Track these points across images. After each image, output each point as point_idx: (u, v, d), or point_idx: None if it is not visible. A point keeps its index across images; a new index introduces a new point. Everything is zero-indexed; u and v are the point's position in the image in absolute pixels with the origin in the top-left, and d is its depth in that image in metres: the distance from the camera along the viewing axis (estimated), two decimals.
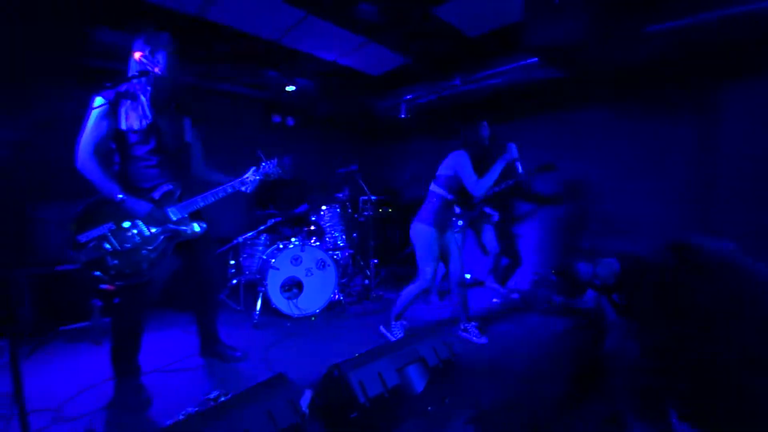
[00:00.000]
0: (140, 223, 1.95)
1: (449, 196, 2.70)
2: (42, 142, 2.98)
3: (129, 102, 1.95)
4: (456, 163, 2.66)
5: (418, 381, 1.66)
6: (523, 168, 2.74)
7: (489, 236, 3.98)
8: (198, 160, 2.34)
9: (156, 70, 1.93)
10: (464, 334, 2.85)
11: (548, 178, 4.05)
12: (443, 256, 2.81)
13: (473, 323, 2.88)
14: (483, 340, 2.78)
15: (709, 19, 2.54)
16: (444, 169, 2.74)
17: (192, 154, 2.27)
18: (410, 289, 2.75)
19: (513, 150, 2.66)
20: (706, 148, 3.16)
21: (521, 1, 2.69)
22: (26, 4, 2.79)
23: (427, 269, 2.69)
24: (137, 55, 1.92)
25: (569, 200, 4.01)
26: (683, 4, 2.62)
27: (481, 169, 2.66)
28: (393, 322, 2.85)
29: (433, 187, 2.78)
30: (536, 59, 3.24)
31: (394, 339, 2.74)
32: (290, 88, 4.24)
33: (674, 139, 3.28)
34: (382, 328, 2.93)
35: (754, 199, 2.88)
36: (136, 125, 1.95)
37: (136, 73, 1.90)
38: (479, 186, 2.59)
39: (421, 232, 2.71)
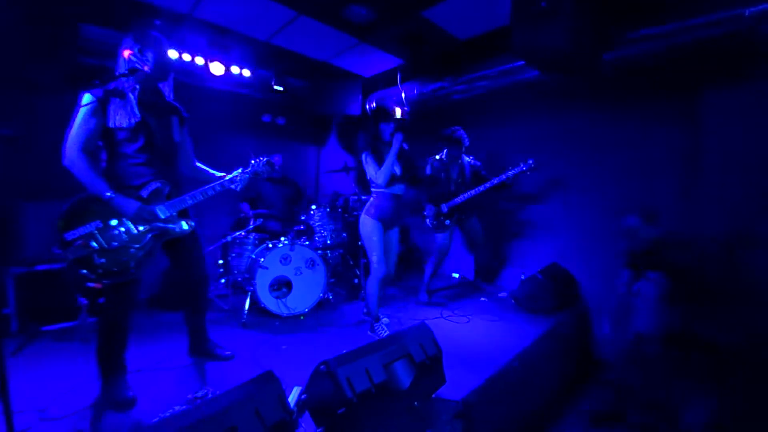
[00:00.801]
0: (128, 221, 1.95)
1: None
2: (29, 140, 2.94)
3: (117, 100, 1.94)
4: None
5: (404, 377, 1.69)
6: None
7: (475, 235, 4.04)
8: (187, 158, 2.34)
9: (145, 68, 1.92)
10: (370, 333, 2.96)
11: (534, 179, 4.11)
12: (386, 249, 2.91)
13: (382, 322, 2.96)
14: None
15: (692, 24, 2.63)
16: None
17: (181, 152, 2.27)
18: (370, 283, 2.85)
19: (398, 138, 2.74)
20: (689, 151, 3.24)
21: (509, 5, 2.74)
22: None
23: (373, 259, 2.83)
24: (126, 53, 1.92)
25: (554, 202, 4.08)
26: (667, 11, 2.70)
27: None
28: (374, 324, 2.91)
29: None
30: (523, 62, 3.29)
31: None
32: (278, 88, 4.24)
33: (658, 142, 3.36)
34: (369, 332, 2.96)
35: (737, 202, 2.96)
36: (124, 123, 1.94)
37: (125, 71, 1.89)
38: (379, 175, 2.74)
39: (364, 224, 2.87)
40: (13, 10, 2.81)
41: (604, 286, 3.64)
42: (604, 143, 3.69)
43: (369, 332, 2.95)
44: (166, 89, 2.17)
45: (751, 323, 2.24)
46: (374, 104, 2.84)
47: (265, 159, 2.43)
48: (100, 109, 1.89)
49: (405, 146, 2.84)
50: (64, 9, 2.95)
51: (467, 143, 3.74)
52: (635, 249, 2.52)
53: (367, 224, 2.82)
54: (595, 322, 3.63)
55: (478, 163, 3.90)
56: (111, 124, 1.92)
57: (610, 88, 3.57)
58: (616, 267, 3.55)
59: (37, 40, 3.02)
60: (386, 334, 2.83)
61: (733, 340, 2.14)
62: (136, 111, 1.97)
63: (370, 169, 2.80)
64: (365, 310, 2.95)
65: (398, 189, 2.87)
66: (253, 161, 2.40)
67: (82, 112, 1.87)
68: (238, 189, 2.33)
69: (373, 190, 2.89)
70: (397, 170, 2.81)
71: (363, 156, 2.83)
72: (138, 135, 1.99)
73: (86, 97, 1.85)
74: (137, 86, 1.99)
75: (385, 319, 3.03)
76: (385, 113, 2.85)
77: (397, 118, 2.88)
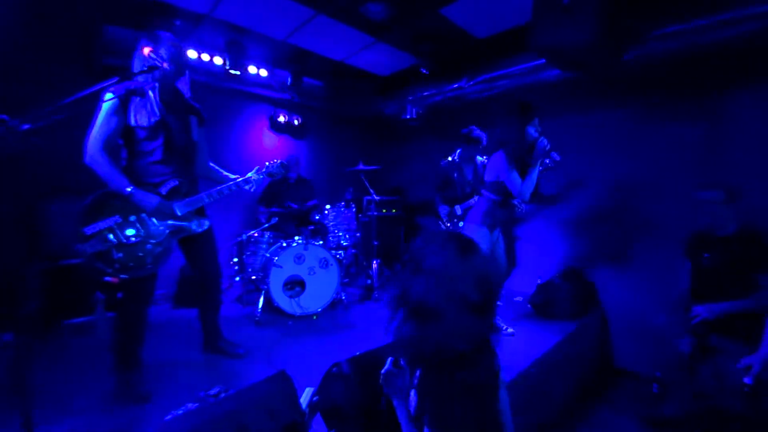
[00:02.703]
0: (146, 216, 1.97)
1: (496, 198, 2.64)
2: (53, 137, 3.00)
3: (138, 98, 1.97)
4: (495, 166, 2.56)
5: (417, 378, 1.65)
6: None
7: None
8: (203, 158, 2.36)
9: (164, 65, 1.94)
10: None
11: (551, 179, 4.01)
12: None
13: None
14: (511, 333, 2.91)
15: (719, 20, 2.51)
16: (488, 175, 2.69)
17: (198, 152, 2.28)
18: None
19: (544, 143, 2.45)
20: (713, 150, 3.11)
21: (530, 2, 2.68)
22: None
23: None
24: (146, 50, 1.94)
25: (572, 202, 3.98)
26: (692, 7, 2.60)
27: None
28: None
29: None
30: (543, 61, 3.22)
31: None
32: (294, 88, 4.24)
33: (681, 141, 3.24)
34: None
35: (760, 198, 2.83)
36: (144, 121, 1.97)
37: (145, 68, 1.91)
38: (523, 190, 2.44)
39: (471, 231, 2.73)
40: (37, 9, 2.88)
41: (625, 291, 3.53)
42: (626, 142, 3.57)
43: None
44: (185, 89, 2.19)
45: None
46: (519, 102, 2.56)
47: (279, 161, 2.43)
48: (121, 107, 1.92)
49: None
50: (89, 10, 3.01)
51: (485, 143, 3.67)
52: (709, 227, 2.33)
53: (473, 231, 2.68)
54: (614, 329, 3.52)
55: None
56: (131, 123, 1.95)
57: (632, 86, 3.46)
58: (638, 271, 3.46)
59: (61, 39, 3.10)
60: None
61: None
62: (156, 110, 1.99)
63: (515, 180, 2.46)
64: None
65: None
66: (267, 163, 2.41)
67: (103, 110, 1.90)
68: (252, 189, 2.34)
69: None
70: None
71: (505, 165, 2.50)
72: (158, 134, 2.01)
73: (107, 96, 1.88)
74: (157, 85, 2.01)
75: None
76: (531, 112, 2.52)
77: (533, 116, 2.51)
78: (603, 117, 3.74)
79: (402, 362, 1.24)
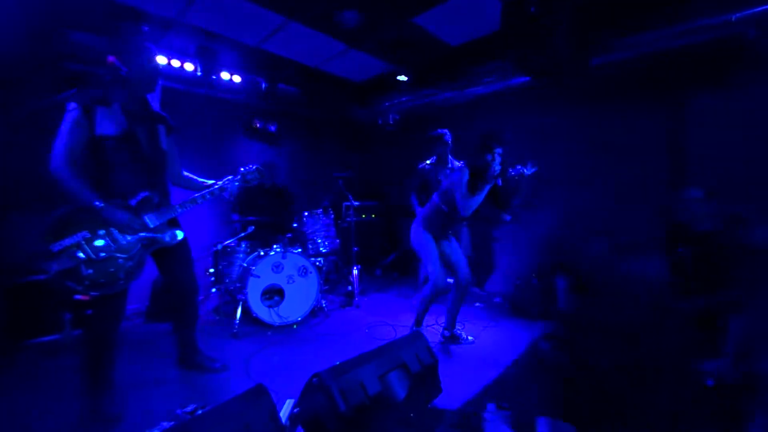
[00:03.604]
0: (116, 231, 1.90)
1: (444, 207, 2.73)
2: (13, 148, 2.87)
3: (104, 108, 1.91)
4: (455, 177, 2.69)
5: (400, 388, 1.65)
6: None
7: (464, 240, 4.04)
8: (175, 167, 2.29)
9: (129, 74, 1.89)
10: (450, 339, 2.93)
11: (523, 186, 4.13)
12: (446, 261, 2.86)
13: (457, 328, 2.96)
14: (471, 341, 2.92)
15: (680, 30, 2.66)
16: (446, 181, 2.85)
17: (169, 161, 2.22)
18: (423, 292, 2.81)
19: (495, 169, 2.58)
20: (676, 148, 3.28)
21: (499, 11, 2.75)
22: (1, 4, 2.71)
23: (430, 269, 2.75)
24: (112, 58, 1.88)
25: (546, 203, 4.09)
26: (656, 16, 2.74)
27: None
28: (413, 328, 2.82)
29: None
30: (513, 67, 3.31)
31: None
32: (269, 94, 4.21)
33: (647, 141, 3.40)
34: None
35: (720, 191, 3.00)
36: (111, 131, 1.91)
37: (110, 77, 1.86)
38: (465, 206, 2.58)
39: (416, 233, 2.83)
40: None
41: (602, 287, 3.65)
42: (595, 143, 3.72)
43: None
44: (153, 97, 2.13)
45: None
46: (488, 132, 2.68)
47: (254, 166, 2.41)
48: (85, 117, 1.85)
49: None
50: (53, 14, 2.90)
51: (451, 145, 3.75)
52: (687, 222, 2.50)
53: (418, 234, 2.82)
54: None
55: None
56: (98, 133, 1.88)
57: (600, 92, 3.61)
58: (612, 267, 3.59)
59: (24, 45, 2.97)
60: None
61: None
62: (123, 119, 1.93)
63: (463, 193, 2.57)
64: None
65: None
66: (242, 168, 2.37)
67: (67, 121, 1.83)
68: (228, 197, 2.30)
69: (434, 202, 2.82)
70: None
71: (461, 175, 2.61)
72: (125, 143, 1.95)
73: (72, 106, 1.81)
74: (122, 94, 1.95)
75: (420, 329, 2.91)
76: (492, 142, 2.64)
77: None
78: (573, 120, 3.88)
79: None
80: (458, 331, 2.95)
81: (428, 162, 3.82)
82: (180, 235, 2.13)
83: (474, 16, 3.23)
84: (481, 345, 2.88)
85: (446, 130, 3.69)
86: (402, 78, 4.30)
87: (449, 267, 2.85)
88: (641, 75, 3.34)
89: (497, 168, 2.57)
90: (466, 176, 2.60)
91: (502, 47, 2.76)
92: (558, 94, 3.81)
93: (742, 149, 2.94)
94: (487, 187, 2.57)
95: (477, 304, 3.88)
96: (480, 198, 2.57)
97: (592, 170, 3.73)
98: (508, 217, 3.74)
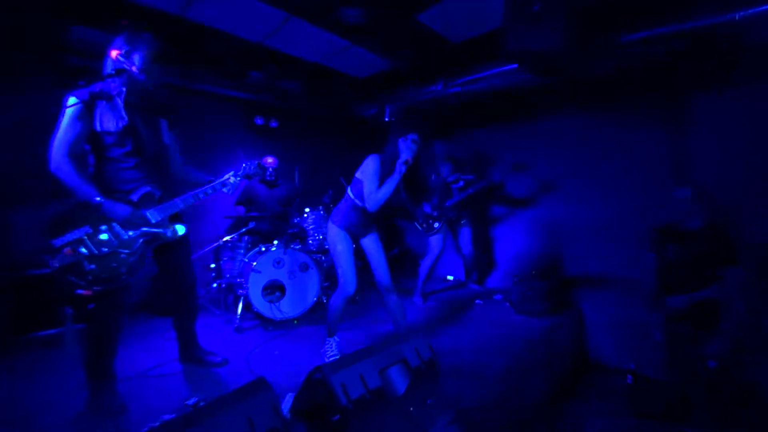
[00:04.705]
0: (118, 226, 1.90)
1: (359, 202, 2.43)
2: (15, 142, 2.88)
3: (104, 102, 1.90)
4: (366, 167, 2.40)
5: (400, 382, 1.67)
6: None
7: (465, 237, 4.05)
8: (176, 162, 2.29)
9: (132, 69, 1.89)
10: None
11: (526, 181, 4.14)
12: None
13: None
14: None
15: (684, 29, 2.64)
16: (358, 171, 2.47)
17: (170, 156, 2.23)
18: (334, 298, 2.48)
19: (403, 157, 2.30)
20: (677, 153, 3.28)
21: (502, 8, 2.75)
22: None
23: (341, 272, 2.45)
24: (114, 53, 1.88)
25: (547, 203, 4.10)
26: (657, 16, 2.73)
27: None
28: (327, 339, 2.53)
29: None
30: (515, 65, 3.30)
31: (327, 360, 2.42)
32: (271, 90, 4.21)
33: (650, 141, 3.40)
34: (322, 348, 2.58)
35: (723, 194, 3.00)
36: (111, 126, 1.91)
37: (112, 72, 1.85)
38: (371, 200, 2.30)
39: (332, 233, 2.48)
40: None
41: (599, 286, 3.67)
42: (597, 143, 3.72)
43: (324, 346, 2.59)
44: (155, 91, 2.12)
45: None
46: (396, 116, 2.41)
47: (255, 162, 2.41)
48: (86, 112, 1.85)
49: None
50: (53, 7, 2.89)
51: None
52: (676, 221, 2.52)
53: (332, 232, 2.47)
54: (590, 323, 3.65)
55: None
56: (98, 128, 1.88)
57: (602, 90, 3.60)
58: (609, 266, 3.60)
59: (27, 39, 2.97)
60: (334, 356, 2.47)
61: None
62: (124, 114, 1.93)
63: (368, 185, 2.33)
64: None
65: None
66: (244, 164, 2.37)
67: (67, 116, 1.83)
68: (229, 192, 2.30)
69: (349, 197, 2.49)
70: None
71: (368, 163, 2.40)
72: (126, 138, 1.95)
73: (71, 100, 1.81)
74: (123, 89, 1.95)
75: (337, 338, 2.57)
76: (407, 128, 2.43)
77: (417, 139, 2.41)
78: (575, 119, 3.87)
79: None
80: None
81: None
82: (182, 230, 2.14)
83: (478, 12, 3.22)
84: (481, 341, 2.88)
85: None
86: (406, 75, 4.29)
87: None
88: (643, 75, 3.33)
89: (408, 156, 2.30)
90: (374, 165, 2.34)
91: (503, 44, 2.73)
92: (560, 93, 3.80)
93: (745, 150, 2.94)
94: (396, 178, 2.28)
95: (477, 301, 3.89)
96: (388, 191, 2.27)
97: (593, 171, 3.73)
98: (436, 224, 3.72)
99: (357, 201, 2.42)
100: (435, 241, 3.79)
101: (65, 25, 2.97)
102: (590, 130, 3.76)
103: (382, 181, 2.33)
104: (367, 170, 2.36)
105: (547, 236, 4.13)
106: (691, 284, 2.42)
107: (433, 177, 3.78)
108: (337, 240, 2.42)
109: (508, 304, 3.64)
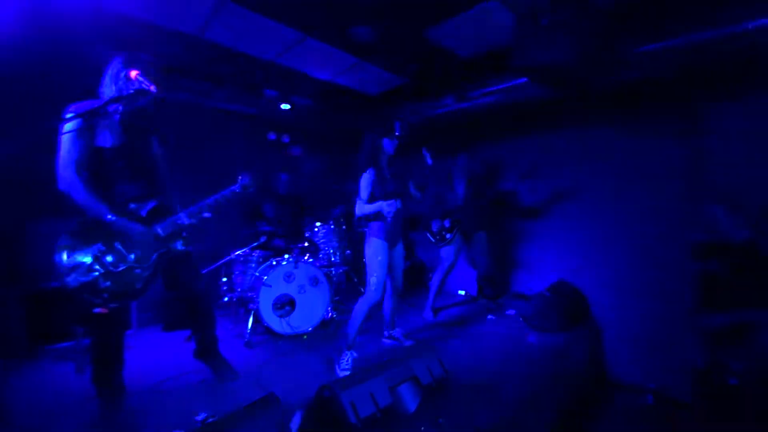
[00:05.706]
0: (131, 242, 1.93)
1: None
2: (35, 158, 2.97)
3: (102, 119, 1.93)
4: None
5: (410, 400, 1.63)
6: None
7: (479, 250, 4.00)
8: (165, 179, 2.28)
9: (152, 89, 1.93)
10: (389, 341, 3.02)
11: (539, 193, 4.10)
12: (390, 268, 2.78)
13: (397, 329, 3.06)
14: (410, 341, 2.98)
15: (700, 39, 2.59)
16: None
17: (161, 172, 2.23)
18: (360, 305, 2.62)
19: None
20: (694, 160, 3.20)
21: (511, 23, 2.77)
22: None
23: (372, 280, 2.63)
24: (134, 73, 1.92)
25: (560, 215, 4.04)
26: (673, 25, 2.69)
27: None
28: (345, 351, 2.60)
29: None
30: (526, 79, 3.31)
31: (340, 374, 2.49)
32: (285, 107, 4.29)
33: (664, 153, 3.33)
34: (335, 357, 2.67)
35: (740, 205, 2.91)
36: (110, 143, 1.94)
37: (131, 92, 1.89)
38: (358, 206, 2.66)
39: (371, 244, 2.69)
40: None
41: (616, 302, 3.56)
42: (610, 155, 3.67)
43: (336, 356, 2.67)
44: (147, 108, 2.13)
45: None
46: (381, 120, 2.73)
47: (248, 174, 2.32)
48: (86, 128, 1.87)
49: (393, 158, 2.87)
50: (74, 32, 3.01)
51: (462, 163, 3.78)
52: (718, 236, 2.45)
53: (373, 244, 2.67)
54: (608, 340, 3.54)
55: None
56: (98, 144, 1.91)
57: (614, 102, 3.56)
58: (630, 282, 3.50)
59: (47, 59, 3.08)
60: (346, 372, 2.51)
61: None
62: (121, 131, 1.97)
63: (361, 193, 2.65)
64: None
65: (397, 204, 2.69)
66: (239, 177, 2.31)
67: (68, 133, 1.85)
68: (230, 204, 2.25)
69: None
70: (390, 186, 2.71)
71: (363, 178, 2.69)
72: (124, 154, 1.98)
73: (69, 116, 1.82)
74: (121, 106, 1.96)
75: (355, 353, 2.65)
76: (390, 130, 2.75)
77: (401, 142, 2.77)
78: (588, 131, 3.84)
79: None
80: (398, 334, 3.04)
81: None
82: (187, 242, 2.16)
83: (486, 27, 3.24)
84: (494, 358, 2.81)
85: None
86: (413, 90, 4.34)
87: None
88: (659, 88, 3.29)
89: (391, 152, 2.74)
90: (368, 178, 2.66)
91: (513, 59, 2.74)
92: (575, 106, 3.78)
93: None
94: (384, 206, 2.58)
95: (489, 317, 3.82)
96: (372, 210, 2.61)
97: (614, 184, 3.67)
98: (448, 235, 3.74)
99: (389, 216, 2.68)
100: (446, 252, 3.76)
101: (88, 47, 3.08)
102: (605, 139, 3.71)
103: (373, 195, 2.66)
104: (362, 182, 2.68)
105: (562, 249, 4.06)
106: (735, 300, 2.29)
107: (449, 195, 3.79)
108: (380, 251, 2.63)
109: (521, 319, 3.56)
